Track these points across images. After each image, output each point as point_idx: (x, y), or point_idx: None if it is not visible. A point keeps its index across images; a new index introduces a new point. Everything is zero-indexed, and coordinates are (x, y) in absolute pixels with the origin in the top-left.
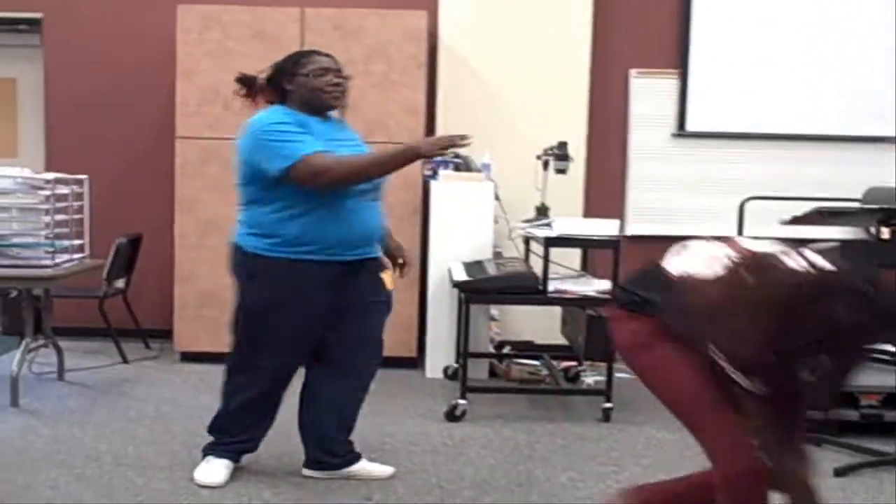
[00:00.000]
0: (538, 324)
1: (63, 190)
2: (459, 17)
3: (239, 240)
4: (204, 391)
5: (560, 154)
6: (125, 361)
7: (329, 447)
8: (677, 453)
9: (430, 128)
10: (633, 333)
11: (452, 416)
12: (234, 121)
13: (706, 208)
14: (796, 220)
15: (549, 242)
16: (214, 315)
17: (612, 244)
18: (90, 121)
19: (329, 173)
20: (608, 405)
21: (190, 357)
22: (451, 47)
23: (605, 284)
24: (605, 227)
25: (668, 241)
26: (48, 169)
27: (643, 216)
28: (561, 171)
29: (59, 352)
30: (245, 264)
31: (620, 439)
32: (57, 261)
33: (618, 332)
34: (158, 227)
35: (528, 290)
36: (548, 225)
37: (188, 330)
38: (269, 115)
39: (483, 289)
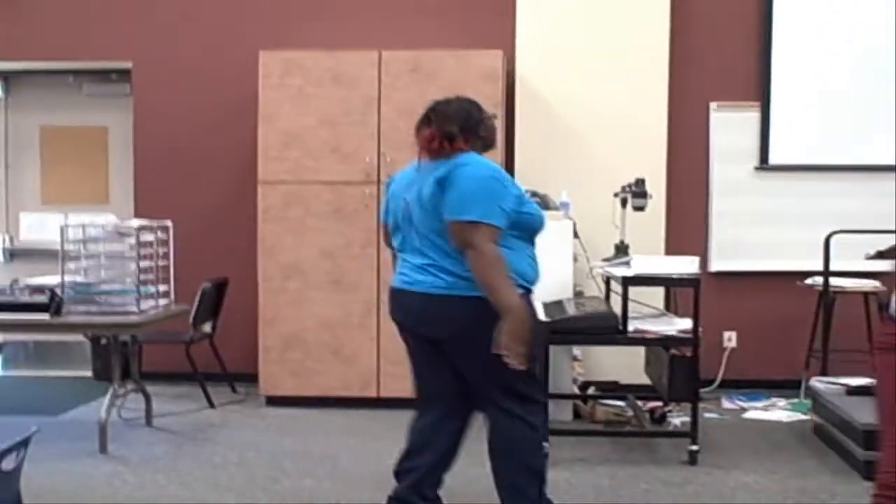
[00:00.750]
0: (623, 363)
1: (148, 237)
2: (536, 55)
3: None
4: (287, 435)
5: (637, 191)
6: (212, 406)
7: (423, 490)
8: (766, 498)
9: (509, 167)
10: (884, 335)
11: None
12: (313, 165)
13: (791, 242)
14: (881, 255)
15: (627, 281)
16: (298, 358)
17: (691, 282)
18: (176, 167)
19: (480, 253)
20: (694, 447)
21: (275, 401)
22: (528, 85)
23: (687, 323)
24: (684, 265)
25: (753, 277)
26: (137, 215)
27: (727, 252)
28: (639, 209)
29: (147, 398)
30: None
31: (707, 483)
32: (143, 307)
33: (878, 332)
34: (243, 271)
35: (607, 330)
36: (626, 263)
37: (273, 374)
38: (490, 164)
39: (561, 329)
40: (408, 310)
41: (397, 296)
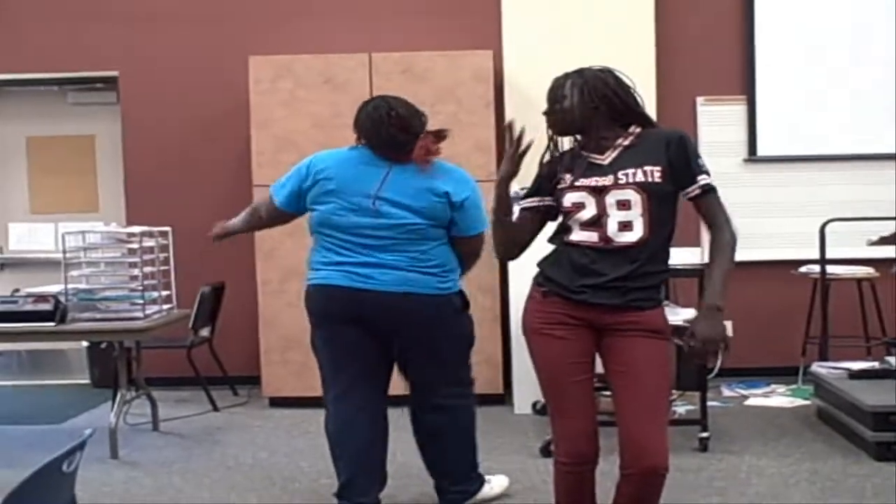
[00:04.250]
0: None
1: (149, 242)
2: (523, 54)
3: (450, 286)
4: (297, 436)
5: None
6: (216, 409)
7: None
8: (781, 481)
9: (500, 164)
10: None
11: (547, 451)
12: None
13: (784, 233)
14: (884, 241)
15: None
16: (300, 360)
17: (696, 273)
18: (168, 173)
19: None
20: (704, 434)
21: (278, 402)
22: (516, 84)
23: (691, 313)
24: (686, 256)
25: (747, 268)
26: (128, 222)
27: None
28: None
29: (154, 403)
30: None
31: (721, 469)
32: (147, 312)
33: None
34: (240, 274)
35: None
36: None
37: (275, 375)
38: None
39: None
40: (394, 310)
41: (377, 297)
